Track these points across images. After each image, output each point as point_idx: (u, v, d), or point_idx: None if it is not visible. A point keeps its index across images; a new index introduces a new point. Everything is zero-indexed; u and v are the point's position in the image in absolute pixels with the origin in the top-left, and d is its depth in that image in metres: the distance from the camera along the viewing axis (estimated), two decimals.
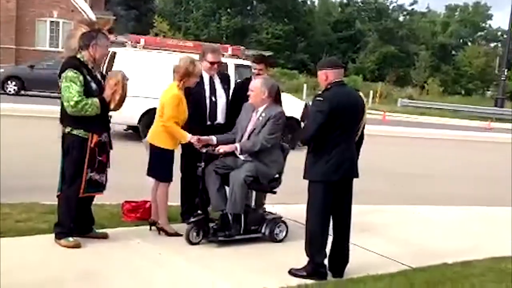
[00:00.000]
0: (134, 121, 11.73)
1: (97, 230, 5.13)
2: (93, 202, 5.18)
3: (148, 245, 5.05)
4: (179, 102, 5.19)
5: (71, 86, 4.62)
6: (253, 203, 5.54)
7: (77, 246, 4.77)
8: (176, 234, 5.25)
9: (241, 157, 5.38)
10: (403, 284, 4.43)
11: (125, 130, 12.65)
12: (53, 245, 4.78)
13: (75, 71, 4.66)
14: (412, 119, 28.19)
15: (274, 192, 5.63)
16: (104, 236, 5.09)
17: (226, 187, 5.33)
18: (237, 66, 12.27)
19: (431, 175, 11.30)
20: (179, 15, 61.21)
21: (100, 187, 4.97)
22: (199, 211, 5.21)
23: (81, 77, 4.67)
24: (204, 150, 5.23)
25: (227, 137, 5.47)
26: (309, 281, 4.42)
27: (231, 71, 11.51)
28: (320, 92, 4.58)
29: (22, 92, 21.30)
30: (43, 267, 4.33)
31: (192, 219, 5.20)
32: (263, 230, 5.43)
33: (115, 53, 11.67)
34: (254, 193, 5.52)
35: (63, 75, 4.66)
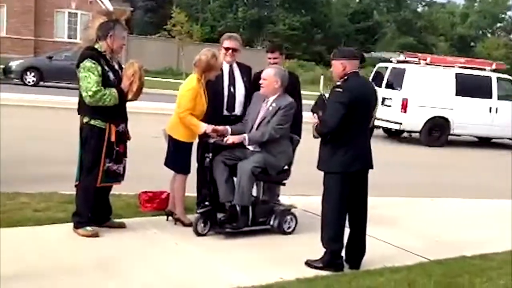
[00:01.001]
0: (419, 127, 13.97)
1: (114, 220, 5.17)
2: (110, 192, 5.21)
3: (165, 235, 5.08)
4: (197, 95, 5.19)
5: (89, 76, 4.63)
6: (261, 194, 5.48)
7: (95, 235, 4.82)
8: (192, 225, 5.27)
9: (250, 147, 5.32)
10: (421, 276, 4.40)
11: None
12: (72, 234, 4.83)
13: (93, 61, 4.68)
14: None
15: (284, 184, 5.60)
16: (122, 226, 5.13)
17: (235, 178, 5.27)
18: (500, 80, 14.69)
19: (447, 166, 11.19)
20: (196, 6, 61.14)
21: (118, 177, 5.00)
22: (207, 202, 5.19)
23: (99, 67, 4.68)
24: (211, 141, 5.18)
25: (241, 128, 5.40)
26: (325, 273, 4.41)
27: (494, 85, 14.34)
28: (338, 83, 4.51)
29: (41, 83, 21.48)
30: (61, 256, 4.37)
31: (199, 210, 5.19)
32: (271, 222, 5.37)
33: (404, 69, 14.09)
34: (262, 184, 5.45)
35: (81, 65, 4.68)
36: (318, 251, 4.58)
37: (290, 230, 5.46)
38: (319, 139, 4.58)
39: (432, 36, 64.88)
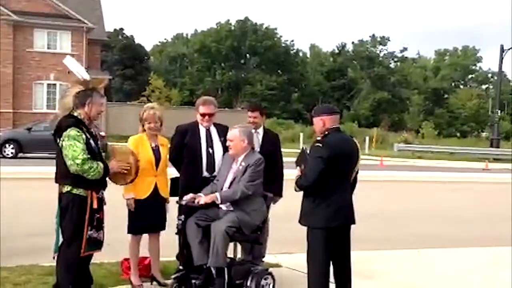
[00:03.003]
0: None
1: None
2: (91, 261, 5.12)
3: None
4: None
5: (74, 144, 4.61)
6: (238, 255, 5.37)
7: None
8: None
9: (223, 207, 5.22)
10: None
11: None
12: None
13: (77, 129, 4.68)
14: (409, 163, 28.25)
15: (260, 243, 5.50)
16: None
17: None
18: None
19: (432, 217, 11.24)
20: (175, 72, 62.31)
21: (98, 244, 4.93)
22: (181, 266, 5.05)
23: (83, 135, 4.70)
24: (183, 202, 5.11)
25: (211, 189, 5.29)
26: None
27: None
28: (318, 139, 4.60)
29: (20, 154, 21.38)
30: None
31: (173, 275, 5.03)
32: (248, 284, 5.16)
33: None
34: (238, 245, 5.35)
35: (65, 133, 4.65)
36: None
37: None
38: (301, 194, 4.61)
39: (406, 90, 66.60)
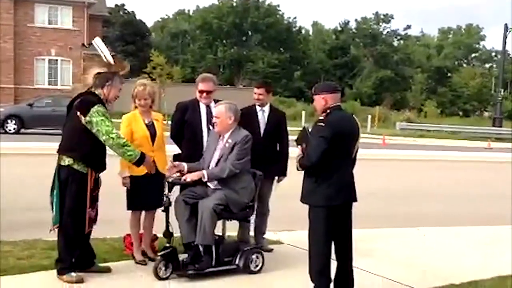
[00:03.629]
0: None
1: (99, 264, 5.10)
2: (95, 236, 5.16)
3: (151, 277, 5.00)
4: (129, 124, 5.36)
5: (106, 120, 4.68)
6: (226, 233, 5.35)
7: (80, 281, 4.74)
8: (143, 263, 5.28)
9: (211, 185, 5.18)
10: None
11: None
12: (56, 281, 4.74)
13: (104, 107, 4.74)
14: (411, 142, 28.23)
15: (248, 221, 5.47)
16: (107, 270, 5.06)
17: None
18: None
19: (433, 196, 11.27)
20: (176, 48, 61.91)
21: (91, 222, 4.96)
22: (167, 244, 5.01)
23: (108, 114, 4.76)
24: (170, 180, 5.04)
25: (198, 166, 5.24)
26: None
27: None
28: (321, 118, 4.58)
29: (22, 130, 21.40)
30: None
31: (159, 253, 5.02)
32: (237, 262, 5.16)
33: None
34: (226, 222, 5.33)
35: (94, 109, 4.66)
36: (305, 285, 4.55)
37: (257, 269, 5.25)
38: (303, 172, 4.61)
39: (409, 69, 66.21)
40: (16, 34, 32.97)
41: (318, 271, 4.48)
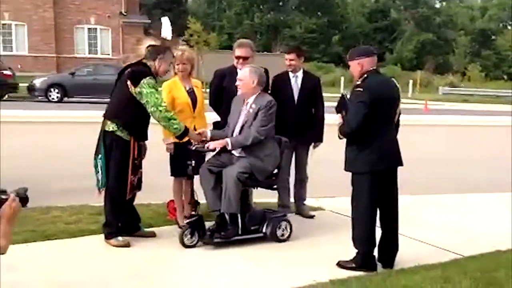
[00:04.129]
0: None
1: (144, 229, 5.21)
2: (139, 202, 5.26)
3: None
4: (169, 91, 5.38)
5: (156, 92, 4.72)
6: (254, 200, 5.29)
7: (126, 245, 4.86)
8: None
9: (235, 153, 5.08)
10: (456, 272, 4.33)
11: None
12: (104, 245, 4.88)
13: (154, 79, 4.78)
14: (454, 107, 27.61)
15: (275, 189, 5.38)
16: (152, 235, 5.17)
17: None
18: None
19: (478, 162, 11.04)
20: (213, 15, 61.59)
21: (134, 188, 5.04)
22: (192, 212, 5.05)
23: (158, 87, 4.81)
24: (193, 147, 4.99)
25: (223, 133, 5.17)
26: (358, 273, 4.37)
27: None
28: (358, 83, 4.48)
29: (65, 99, 21.80)
30: (96, 267, 4.42)
31: (186, 221, 5.03)
32: (264, 230, 5.12)
33: None
34: (253, 190, 5.27)
35: (145, 81, 4.70)
36: (349, 251, 4.55)
37: (284, 237, 5.20)
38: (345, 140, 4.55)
39: (451, 31, 64.25)
40: (55, 3, 33.33)
41: (362, 238, 4.46)
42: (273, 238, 5.13)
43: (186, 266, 4.54)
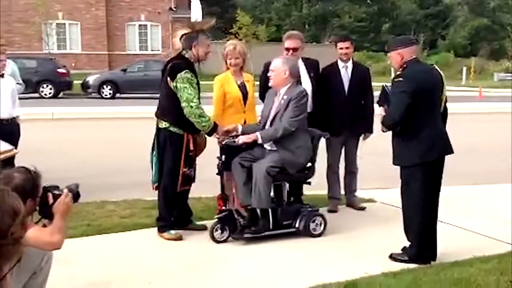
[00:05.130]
0: None
1: (196, 222, 5.29)
2: (191, 196, 5.34)
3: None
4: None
5: (189, 87, 4.76)
6: (286, 196, 5.21)
7: (179, 238, 4.96)
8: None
9: (267, 146, 4.99)
10: None
11: None
12: (157, 238, 4.99)
13: (191, 73, 4.82)
14: (510, 93, 26.63)
15: (309, 183, 5.23)
16: (203, 228, 5.24)
17: None
18: None
19: None
20: (261, 7, 61.49)
21: (190, 181, 5.12)
22: (223, 207, 5.01)
23: (195, 80, 4.84)
24: (223, 142, 4.97)
25: (255, 127, 5.08)
26: (411, 265, 4.31)
27: None
28: (399, 73, 4.38)
29: (117, 95, 22.30)
30: (149, 260, 4.52)
31: (216, 216, 4.99)
32: (297, 225, 5.02)
33: None
34: (287, 185, 5.20)
35: (180, 75, 4.76)
36: (401, 243, 4.49)
37: (317, 232, 5.08)
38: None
39: (507, 15, 61.81)
40: (107, 2, 34.12)
41: (417, 230, 4.38)
42: (306, 233, 5.04)
43: (238, 258, 4.58)
